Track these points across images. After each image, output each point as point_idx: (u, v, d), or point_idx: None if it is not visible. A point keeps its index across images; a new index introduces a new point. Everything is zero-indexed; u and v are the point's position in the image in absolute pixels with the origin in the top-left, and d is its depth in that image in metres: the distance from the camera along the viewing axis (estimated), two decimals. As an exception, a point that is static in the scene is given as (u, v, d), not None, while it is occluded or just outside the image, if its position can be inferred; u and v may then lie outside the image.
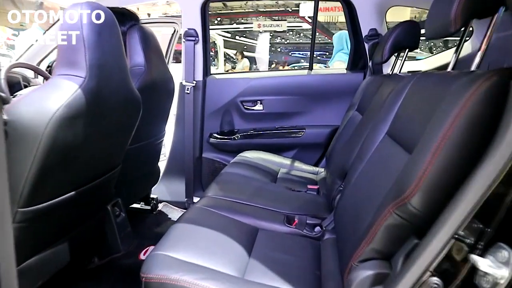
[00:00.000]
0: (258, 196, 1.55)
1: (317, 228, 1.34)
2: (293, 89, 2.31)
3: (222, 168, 2.35)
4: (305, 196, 1.65)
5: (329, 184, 1.62)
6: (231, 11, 18.36)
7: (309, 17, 17.04)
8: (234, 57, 11.50)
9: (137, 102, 1.45)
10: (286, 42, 25.93)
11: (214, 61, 8.55)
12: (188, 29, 2.21)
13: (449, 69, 1.05)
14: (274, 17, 19.38)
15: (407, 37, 1.62)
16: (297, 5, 16.39)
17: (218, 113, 2.37)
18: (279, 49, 27.31)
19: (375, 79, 1.87)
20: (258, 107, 2.34)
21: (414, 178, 0.72)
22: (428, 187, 0.71)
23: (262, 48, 15.69)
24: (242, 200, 1.48)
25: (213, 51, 8.61)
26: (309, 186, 1.74)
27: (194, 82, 2.24)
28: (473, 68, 0.87)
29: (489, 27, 0.87)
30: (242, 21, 19.99)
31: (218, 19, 20.11)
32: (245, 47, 20.73)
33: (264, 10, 18.53)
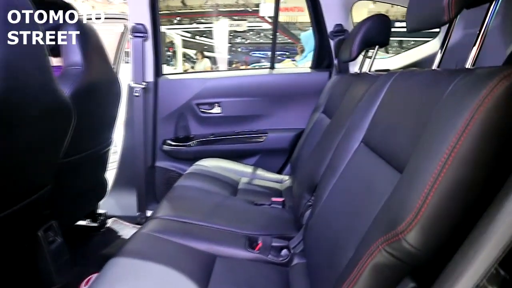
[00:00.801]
0: (215, 214, 1.35)
1: (284, 252, 1.16)
2: (253, 90, 2.13)
3: (178, 178, 2.13)
4: (269, 211, 1.47)
5: (296, 196, 1.45)
6: (191, 11, 18.08)
7: (269, 17, 17.05)
8: (194, 57, 11.24)
9: (67, 109, 1.21)
10: (246, 42, 25.87)
11: (172, 61, 8.27)
12: (136, 24, 1.97)
13: (434, 66, 0.90)
14: (234, 17, 19.26)
15: (378, 33, 1.48)
16: (257, 5, 16.34)
17: (172, 117, 2.15)
18: (239, 49, 27.21)
19: (342, 79, 1.73)
20: (216, 110, 2.14)
21: (411, 208, 0.55)
22: (430, 220, 0.54)
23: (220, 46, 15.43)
24: (197, 221, 1.28)
25: (171, 50, 8.33)
26: (273, 199, 1.56)
27: (144, 83, 2.01)
28: (468, 65, 0.71)
29: (485, 17, 0.71)
30: (202, 21, 19.77)
31: (178, 18, 19.76)
32: (205, 47, 20.48)
33: (224, 10, 18.38)
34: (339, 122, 1.27)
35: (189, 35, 18.43)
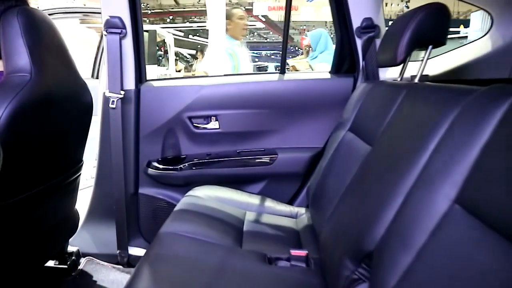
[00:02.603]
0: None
1: None
2: (260, 99, 1.72)
3: (166, 208, 1.73)
4: (290, 276, 1.06)
5: (328, 256, 1.04)
6: (184, 9, 17.72)
7: (262, 16, 16.72)
8: (188, 56, 10.84)
9: None
10: (240, 41, 25.53)
11: (163, 60, 7.87)
12: (110, 17, 1.56)
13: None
14: (227, 16, 18.94)
15: (433, 28, 1.09)
16: (251, 4, 16.00)
17: (159, 133, 1.73)
18: (233, 48, 26.85)
19: (375, 88, 1.33)
20: (213, 124, 1.73)
21: None
22: None
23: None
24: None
25: (162, 50, 7.92)
26: (293, 252, 1.15)
27: (122, 92, 1.59)
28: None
29: None
30: (195, 19, 19.45)
31: (171, 17, 19.38)
32: (199, 46, 20.11)
33: (217, 8, 18.03)
34: (398, 156, 0.87)
35: (182, 33, 18.06)
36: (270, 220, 1.46)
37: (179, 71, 9.42)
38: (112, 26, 1.56)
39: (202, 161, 1.72)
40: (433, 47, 1.13)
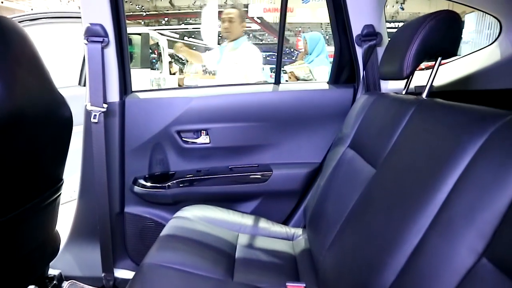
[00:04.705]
0: None
1: None
2: (253, 112, 1.61)
3: (154, 228, 1.62)
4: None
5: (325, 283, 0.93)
6: (179, 11, 17.66)
7: (258, 17, 16.67)
8: (183, 59, 10.72)
9: None
10: (235, 43, 25.51)
11: (157, 63, 7.75)
12: (91, 24, 1.45)
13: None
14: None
15: (443, 38, 0.99)
16: (246, 6, 15.94)
17: (145, 148, 1.62)
18: (228, 50, 26.86)
19: (378, 101, 1.23)
20: (203, 139, 1.62)
21: None
22: None
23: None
24: None
25: (156, 53, 7.80)
26: (289, 286, 1.04)
27: (105, 105, 1.48)
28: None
29: None
30: (191, 21, 19.39)
31: (166, 19, 19.31)
32: (194, 48, 20.05)
33: (213, 10, 18.00)
34: (408, 187, 0.77)
35: (177, 35, 18.00)
36: (265, 244, 1.35)
37: (174, 73, 9.31)
38: (93, 34, 1.45)
39: (191, 178, 1.61)
40: (443, 59, 1.03)
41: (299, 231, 1.47)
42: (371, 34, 1.48)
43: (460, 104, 0.83)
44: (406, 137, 0.92)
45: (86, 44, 1.46)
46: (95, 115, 1.47)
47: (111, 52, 1.49)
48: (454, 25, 1.00)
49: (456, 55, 1.03)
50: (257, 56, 2.59)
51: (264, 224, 1.48)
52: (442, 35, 0.99)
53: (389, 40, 1.26)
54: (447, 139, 0.73)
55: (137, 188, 1.61)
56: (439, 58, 1.02)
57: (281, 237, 1.44)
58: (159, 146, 1.62)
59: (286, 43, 21.84)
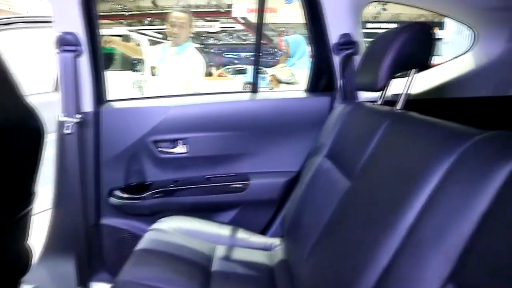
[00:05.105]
0: None
1: None
2: (231, 121, 1.60)
3: (132, 239, 1.59)
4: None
5: None
6: (162, 11, 17.53)
7: (241, 18, 16.66)
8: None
9: None
10: (219, 43, 25.46)
11: (138, 65, 7.67)
12: (63, 33, 1.41)
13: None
14: (206, 18, 18.87)
15: (417, 50, 1.00)
16: (230, 6, 15.92)
17: (121, 159, 1.59)
18: (212, 50, 26.85)
19: (355, 110, 1.24)
20: (180, 149, 1.60)
21: None
22: None
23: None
24: None
25: (137, 54, 7.70)
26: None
27: (79, 115, 1.45)
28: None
29: None
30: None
31: (149, 19, 19.15)
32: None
33: (197, 10, 17.91)
34: (381, 203, 0.77)
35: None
36: (242, 256, 1.34)
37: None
38: (66, 43, 1.41)
39: (169, 188, 1.59)
40: (418, 71, 1.04)
41: (277, 241, 1.47)
42: (348, 43, 1.48)
43: (433, 120, 0.83)
44: (380, 151, 0.92)
45: (57, 53, 1.42)
46: (68, 126, 1.43)
47: (84, 61, 1.46)
48: (428, 38, 1.01)
49: (430, 67, 1.04)
50: (200, 65, 2.50)
51: (242, 234, 1.47)
52: (415, 48, 1.00)
53: (365, 51, 1.27)
54: (418, 157, 0.73)
55: (113, 199, 1.59)
56: (413, 70, 1.03)
57: (259, 247, 1.43)
58: (136, 156, 1.60)
59: (270, 43, 21.90)
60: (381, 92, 1.24)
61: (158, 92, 2.44)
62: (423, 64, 1.02)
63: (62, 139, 1.48)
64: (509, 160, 0.53)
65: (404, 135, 0.86)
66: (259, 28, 1.69)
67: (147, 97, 1.80)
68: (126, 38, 6.71)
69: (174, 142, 1.59)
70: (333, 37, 1.51)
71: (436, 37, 1.03)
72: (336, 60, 1.53)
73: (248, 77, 9.41)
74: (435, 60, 1.73)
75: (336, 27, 1.50)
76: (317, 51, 1.63)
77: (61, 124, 1.46)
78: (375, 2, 1.64)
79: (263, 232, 1.62)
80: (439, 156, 0.66)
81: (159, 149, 1.58)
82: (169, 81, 2.45)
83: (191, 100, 1.68)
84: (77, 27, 1.42)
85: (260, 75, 1.82)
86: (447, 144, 0.67)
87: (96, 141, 1.54)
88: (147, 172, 1.62)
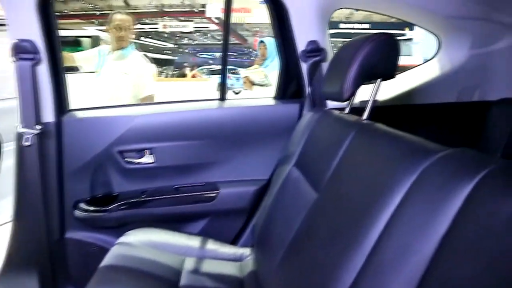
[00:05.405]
0: None
1: None
2: (198, 129, 1.57)
3: (99, 253, 1.53)
4: None
5: None
6: (135, 11, 17.24)
7: (215, 18, 16.57)
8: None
9: None
10: (193, 43, 25.28)
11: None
12: (19, 40, 1.35)
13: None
14: (180, 18, 18.70)
15: (383, 60, 1.00)
16: (203, 6, 15.79)
17: (86, 170, 1.53)
18: (186, 50, 26.62)
19: (323, 118, 1.23)
20: (147, 159, 1.56)
21: None
22: None
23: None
24: None
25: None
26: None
27: (39, 126, 1.38)
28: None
29: None
30: (147, 21, 19.00)
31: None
32: (151, 48, 19.62)
33: (170, 10, 17.70)
34: (345, 219, 0.76)
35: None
36: (212, 268, 1.31)
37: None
38: (22, 51, 1.35)
39: (136, 200, 1.54)
40: (383, 80, 1.04)
41: (247, 251, 1.45)
42: (315, 50, 1.48)
43: (397, 133, 0.83)
44: (346, 163, 0.91)
45: (14, 62, 1.35)
46: (28, 137, 1.37)
47: (43, 70, 1.40)
48: (392, 48, 1.01)
49: (394, 77, 1.04)
50: (148, 67, 2.43)
51: (211, 245, 1.44)
52: (380, 58, 1.01)
53: (330, 60, 1.26)
54: (381, 172, 0.72)
55: (78, 212, 1.53)
56: (379, 80, 1.03)
57: (229, 258, 1.41)
58: (101, 167, 1.54)
59: (245, 43, 21.87)
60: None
61: (108, 98, 2.31)
62: (389, 74, 1.02)
63: (21, 151, 1.41)
64: (470, 180, 0.52)
65: (368, 148, 0.86)
66: (226, 28, 1.66)
67: (111, 106, 1.74)
68: (95, 39, 6.55)
69: (140, 152, 1.55)
70: (301, 44, 1.50)
71: (407, 37, 1.03)
72: (304, 67, 1.52)
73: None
74: (406, 60, 1.75)
75: (303, 34, 1.49)
76: (285, 58, 1.63)
77: (20, 136, 1.39)
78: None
79: (233, 241, 1.60)
80: (402, 173, 0.65)
81: (125, 159, 1.54)
82: (117, 85, 2.31)
83: (157, 108, 1.64)
84: (34, 33, 1.36)
85: (236, 75, 1.81)
86: (410, 160, 0.66)
87: (58, 152, 1.48)
88: (113, 183, 1.57)
